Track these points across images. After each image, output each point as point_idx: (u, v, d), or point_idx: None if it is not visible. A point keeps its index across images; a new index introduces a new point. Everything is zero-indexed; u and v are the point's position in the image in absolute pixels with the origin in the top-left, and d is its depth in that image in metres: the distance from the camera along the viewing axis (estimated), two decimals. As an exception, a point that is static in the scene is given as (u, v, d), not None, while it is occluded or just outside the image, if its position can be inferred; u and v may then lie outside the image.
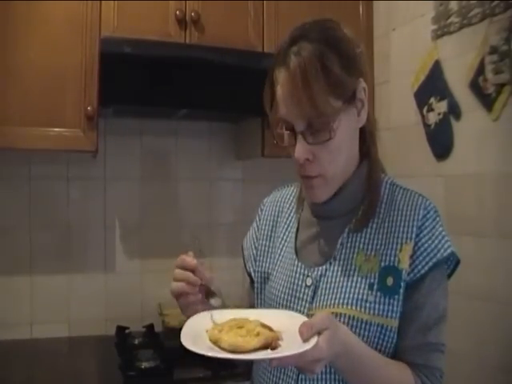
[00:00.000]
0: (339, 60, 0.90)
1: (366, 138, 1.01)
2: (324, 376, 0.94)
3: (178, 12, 1.99)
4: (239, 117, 2.26)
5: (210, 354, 0.78)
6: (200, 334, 0.84)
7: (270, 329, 0.83)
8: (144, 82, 1.90)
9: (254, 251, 1.13)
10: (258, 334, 0.80)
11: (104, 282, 2.24)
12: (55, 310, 2.15)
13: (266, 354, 0.78)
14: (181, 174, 2.37)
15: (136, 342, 2.02)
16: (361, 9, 2.31)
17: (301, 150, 0.92)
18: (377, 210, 0.99)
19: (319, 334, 0.78)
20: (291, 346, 0.78)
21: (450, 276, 1.00)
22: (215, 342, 0.81)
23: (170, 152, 2.36)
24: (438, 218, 0.98)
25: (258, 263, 1.11)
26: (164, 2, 1.99)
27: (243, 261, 1.17)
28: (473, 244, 1.72)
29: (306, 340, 0.77)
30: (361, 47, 0.97)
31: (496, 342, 1.64)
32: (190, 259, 0.93)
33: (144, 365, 1.76)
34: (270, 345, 0.79)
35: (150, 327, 2.13)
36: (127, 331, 2.11)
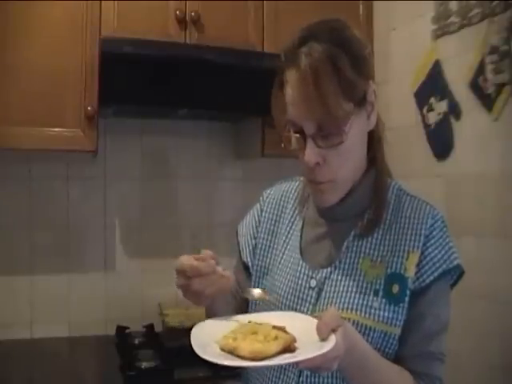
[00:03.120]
0: (350, 61, 0.88)
1: (374, 142, 1.00)
2: (326, 380, 0.94)
3: (178, 12, 1.99)
4: (239, 117, 2.26)
5: (236, 363, 0.75)
6: (210, 344, 0.81)
7: (285, 331, 0.81)
8: (144, 82, 1.89)
9: (253, 241, 1.11)
10: (276, 338, 0.79)
11: (104, 282, 2.24)
12: (55, 310, 2.15)
13: (292, 358, 0.76)
14: (181, 174, 2.37)
15: (136, 341, 2.02)
16: (361, 9, 2.31)
17: (311, 153, 0.90)
18: (383, 216, 0.98)
19: (333, 331, 0.77)
20: (309, 345, 0.77)
21: (452, 286, 1.00)
22: (231, 352, 0.78)
23: (169, 152, 2.36)
24: (445, 229, 0.97)
25: (257, 256, 1.09)
26: (164, 1, 1.99)
27: (238, 247, 1.15)
28: (473, 244, 1.72)
29: (323, 339, 0.76)
30: (369, 48, 0.95)
31: (497, 342, 1.64)
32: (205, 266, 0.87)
33: (144, 365, 1.76)
34: (289, 347, 0.78)
35: (150, 327, 2.13)
36: (127, 331, 2.10)
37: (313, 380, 0.94)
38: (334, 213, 1.00)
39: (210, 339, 0.82)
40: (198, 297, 0.88)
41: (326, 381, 0.94)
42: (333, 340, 0.75)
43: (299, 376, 0.95)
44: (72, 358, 1.99)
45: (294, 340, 0.80)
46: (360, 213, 0.99)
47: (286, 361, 0.77)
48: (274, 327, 0.82)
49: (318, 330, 0.78)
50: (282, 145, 0.97)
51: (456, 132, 1.84)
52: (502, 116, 1.65)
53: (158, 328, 2.13)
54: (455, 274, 0.99)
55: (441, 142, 1.90)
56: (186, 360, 1.79)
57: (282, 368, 0.98)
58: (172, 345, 1.89)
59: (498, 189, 1.67)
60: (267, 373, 1.01)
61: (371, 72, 0.95)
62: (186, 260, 0.87)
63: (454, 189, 1.84)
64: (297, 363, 0.76)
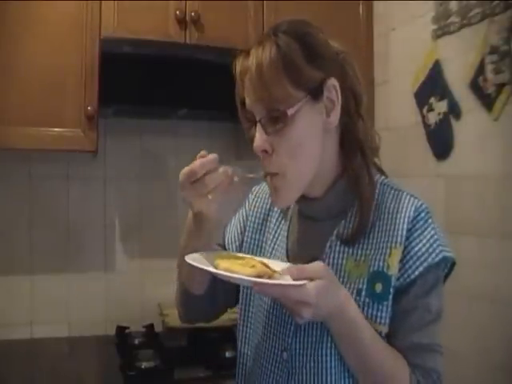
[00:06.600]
0: (301, 49, 0.89)
1: (351, 147, 0.96)
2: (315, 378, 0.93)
3: (178, 12, 1.99)
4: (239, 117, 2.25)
5: (200, 265, 0.83)
6: (202, 259, 0.90)
7: (268, 266, 0.86)
8: (144, 82, 1.90)
9: (240, 237, 1.12)
10: (253, 266, 0.84)
11: (104, 282, 2.24)
12: (55, 310, 2.15)
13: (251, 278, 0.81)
14: (181, 174, 2.37)
15: (136, 342, 2.01)
16: (361, 9, 2.31)
17: (259, 139, 0.91)
18: (368, 223, 0.94)
19: (311, 280, 0.79)
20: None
21: (446, 277, 0.97)
22: (214, 267, 0.86)
23: (169, 152, 2.36)
24: (430, 220, 0.93)
25: (245, 253, 1.08)
26: (164, 1, 1.99)
27: (224, 240, 1.16)
28: (473, 244, 1.72)
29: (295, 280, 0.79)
30: (343, 54, 0.95)
31: (497, 342, 1.64)
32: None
33: (144, 365, 1.76)
34: (262, 277, 0.82)
35: (150, 327, 2.13)
36: (127, 331, 2.10)
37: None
38: (314, 212, 1.00)
39: (205, 259, 0.91)
40: (207, 199, 0.93)
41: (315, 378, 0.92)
42: (301, 282, 0.78)
43: (287, 380, 0.95)
44: (72, 357, 1.99)
45: (273, 275, 0.84)
46: (342, 211, 0.97)
47: (244, 278, 0.80)
48: (262, 263, 0.87)
49: (291, 271, 0.81)
50: (246, 136, 0.99)
51: (456, 132, 1.84)
52: (502, 116, 1.65)
53: (158, 328, 2.13)
54: (446, 266, 0.95)
55: (441, 142, 1.90)
56: (186, 360, 1.81)
57: (272, 372, 0.98)
58: (172, 345, 1.89)
59: (498, 189, 1.67)
60: (259, 378, 1.00)
61: (336, 71, 0.92)
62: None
63: (454, 189, 1.84)
64: (253, 285, 0.80)
